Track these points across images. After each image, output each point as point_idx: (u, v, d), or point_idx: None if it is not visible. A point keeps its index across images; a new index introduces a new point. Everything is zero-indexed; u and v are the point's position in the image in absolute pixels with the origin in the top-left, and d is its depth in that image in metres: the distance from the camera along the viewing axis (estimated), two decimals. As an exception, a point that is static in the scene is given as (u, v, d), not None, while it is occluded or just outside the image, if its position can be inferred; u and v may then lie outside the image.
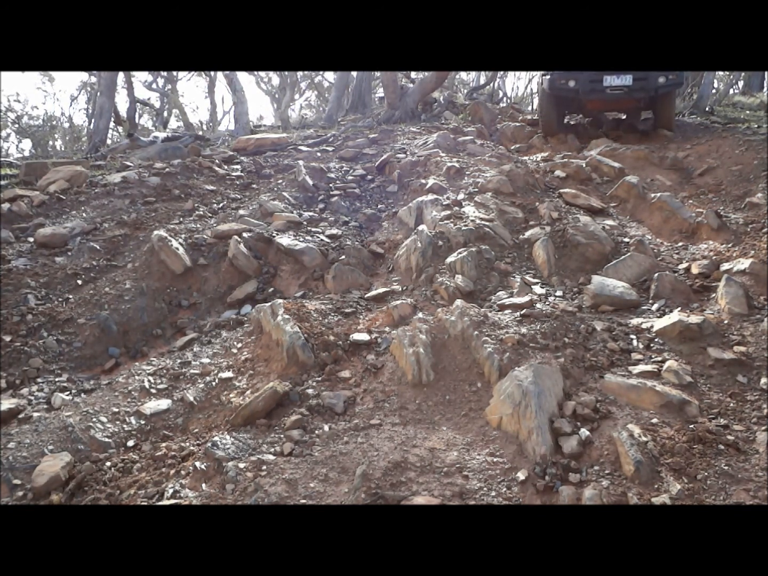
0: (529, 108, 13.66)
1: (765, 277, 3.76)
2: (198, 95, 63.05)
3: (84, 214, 5.57)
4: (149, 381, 3.50)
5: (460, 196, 5.32)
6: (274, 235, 5.00)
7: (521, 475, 2.46)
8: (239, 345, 3.77)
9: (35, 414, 3.22)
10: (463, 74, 19.63)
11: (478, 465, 2.55)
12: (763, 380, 2.90)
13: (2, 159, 8.36)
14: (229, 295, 4.59)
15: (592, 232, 4.56)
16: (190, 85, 59.99)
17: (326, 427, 2.88)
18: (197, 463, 2.67)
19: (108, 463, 2.87)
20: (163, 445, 3.00)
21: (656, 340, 3.29)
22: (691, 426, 2.61)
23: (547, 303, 3.74)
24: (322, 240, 5.00)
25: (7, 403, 3.26)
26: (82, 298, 4.34)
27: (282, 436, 2.83)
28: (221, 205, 5.98)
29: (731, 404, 2.80)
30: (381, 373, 3.25)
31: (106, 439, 3.06)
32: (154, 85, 18.83)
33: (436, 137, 7.44)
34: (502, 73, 16.96)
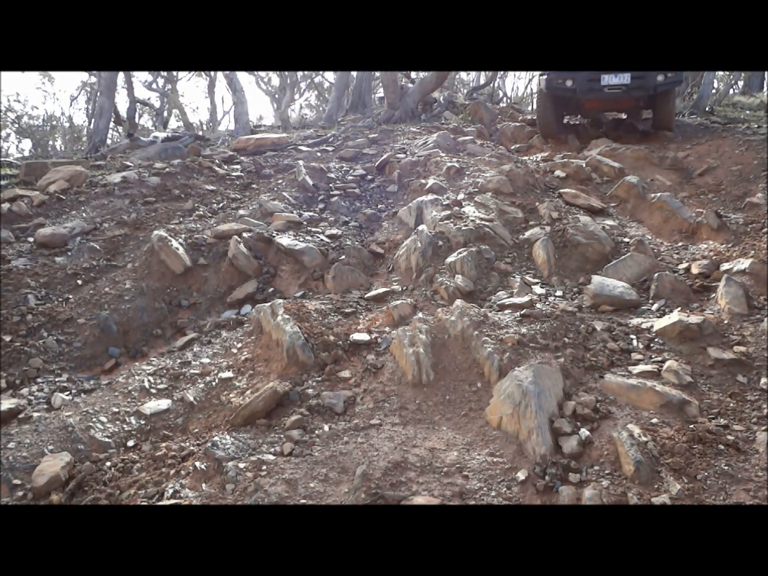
0: (529, 108, 13.65)
1: (765, 277, 3.76)
2: (198, 95, 63.13)
3: (84, 214, 5.57)
4: (149, 381, 3.50)
5: (460, 196, 5.32)
6: (274, 235, 4.99)
7: (521, 475, 2.46)
8: (239, 345, 3.77)
9: (35, 414, 3.22)
10: (463, 74, 19.65)
11: (478, 465, 2.55)
12: (763, 380, 2.90)
13: (2, 159, 8.35)
14: (229, 295, 4.59)
15: (592, 232, 4.56)
16: (190, 85, 60.12)
17: (326, 427, 2.88)
18: (197, 463, 2.67)
19: (108, 463, 2.87)
20: (163, 445, 3.00)
21: (656, 340, 3.29)
22: (691, 426, 2.61)
23: (547, 303, 3.74)
24: (322, 240, 5.00)
25: (7, 403, 3.26)
26: (82, 298, 4.34)
27: (282, 436, 2.83)
28: (221, 205, 5.98)
29: (731, 404, 2.80)
30: (381, 373, 3.24)
31: (106, 439, 3.06)
32: (154, 85, 18.87)
33: (436, 137, 7.44)
34: (502, 73, 16.98)
